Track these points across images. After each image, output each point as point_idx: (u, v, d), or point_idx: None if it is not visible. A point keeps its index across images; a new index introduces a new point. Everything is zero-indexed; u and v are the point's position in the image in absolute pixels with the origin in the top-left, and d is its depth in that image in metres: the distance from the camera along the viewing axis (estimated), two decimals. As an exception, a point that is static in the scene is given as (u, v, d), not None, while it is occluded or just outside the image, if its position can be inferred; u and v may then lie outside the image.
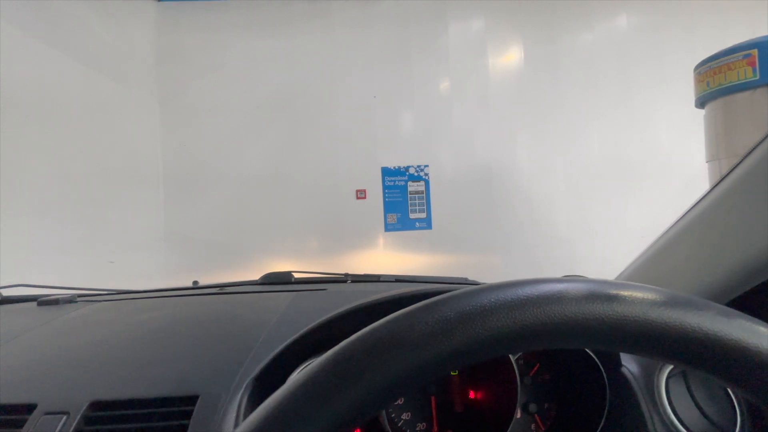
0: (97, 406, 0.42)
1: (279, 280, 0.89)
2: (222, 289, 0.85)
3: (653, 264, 0.55)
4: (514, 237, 3.91)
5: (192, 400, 0.43)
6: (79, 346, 0.54)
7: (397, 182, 3.93)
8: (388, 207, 3.93)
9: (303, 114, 3.88)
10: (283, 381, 0.48)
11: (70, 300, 0.73)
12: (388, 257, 3.89)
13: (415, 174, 3.93)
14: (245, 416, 0.43)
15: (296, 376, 0.21)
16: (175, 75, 3.76)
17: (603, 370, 0.48)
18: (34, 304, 0.72)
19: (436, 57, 3.97)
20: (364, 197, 3.93)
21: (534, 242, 3.87)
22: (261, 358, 0.48)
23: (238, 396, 0.44)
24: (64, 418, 0.40)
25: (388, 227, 3.93)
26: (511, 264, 3.87)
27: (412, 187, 3.93)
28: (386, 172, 3.92)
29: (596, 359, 0.49)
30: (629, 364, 0.49)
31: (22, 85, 2.36)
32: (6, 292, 0.83)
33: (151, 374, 0.46)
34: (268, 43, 3.88)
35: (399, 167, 3.93)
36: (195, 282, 1.02)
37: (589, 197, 3.92)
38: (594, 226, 3.87)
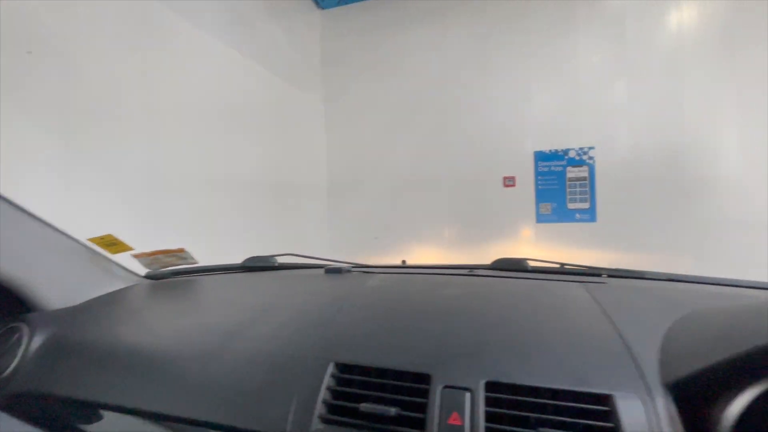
0: (492, 387, 0.38)
1: (514, 267, 0.81)
2: (471, 271, 0.80)
3: None
4: (710, 234, 3.13)
5: (604, 399, 0.35)
6: (411, 317, 0.53)
7: (552, 167, 3.54)
8: (541, 196, 3.58)
9: (452, 101, 3.80)
10: (712, 393, 0.37)
11: (348, 270, 0.77)
12: (540, 252, 3.56)
13: (576, 158, 3.48)
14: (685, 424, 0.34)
15: None
16: (337, 76, 4.11)
17: None
18: (322, 271, 0.78)
19: (605, 19, 3.40)
20: (513, 185, 3.66)
21: (738, 241, 3.02)
22: (649, 359, 0.39)
23: (659, 402, 0.35)
24: (468, 395, 0.37)
25: (541, 218, 3.58)
26: (704, 267, 3.10)
27: (572, 173, 3.49)
28: (540, 156, 3.57)
29: None
30: None
31: (227, 93, 2.87)
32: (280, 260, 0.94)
33: (538, 361, 0.40)
34: (419, 35, 3.90)
35: (556, 150, 3.53)
36: (403, 261, 1.02)
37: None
38: None
